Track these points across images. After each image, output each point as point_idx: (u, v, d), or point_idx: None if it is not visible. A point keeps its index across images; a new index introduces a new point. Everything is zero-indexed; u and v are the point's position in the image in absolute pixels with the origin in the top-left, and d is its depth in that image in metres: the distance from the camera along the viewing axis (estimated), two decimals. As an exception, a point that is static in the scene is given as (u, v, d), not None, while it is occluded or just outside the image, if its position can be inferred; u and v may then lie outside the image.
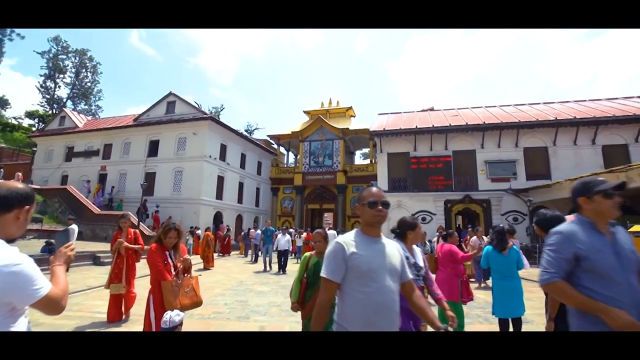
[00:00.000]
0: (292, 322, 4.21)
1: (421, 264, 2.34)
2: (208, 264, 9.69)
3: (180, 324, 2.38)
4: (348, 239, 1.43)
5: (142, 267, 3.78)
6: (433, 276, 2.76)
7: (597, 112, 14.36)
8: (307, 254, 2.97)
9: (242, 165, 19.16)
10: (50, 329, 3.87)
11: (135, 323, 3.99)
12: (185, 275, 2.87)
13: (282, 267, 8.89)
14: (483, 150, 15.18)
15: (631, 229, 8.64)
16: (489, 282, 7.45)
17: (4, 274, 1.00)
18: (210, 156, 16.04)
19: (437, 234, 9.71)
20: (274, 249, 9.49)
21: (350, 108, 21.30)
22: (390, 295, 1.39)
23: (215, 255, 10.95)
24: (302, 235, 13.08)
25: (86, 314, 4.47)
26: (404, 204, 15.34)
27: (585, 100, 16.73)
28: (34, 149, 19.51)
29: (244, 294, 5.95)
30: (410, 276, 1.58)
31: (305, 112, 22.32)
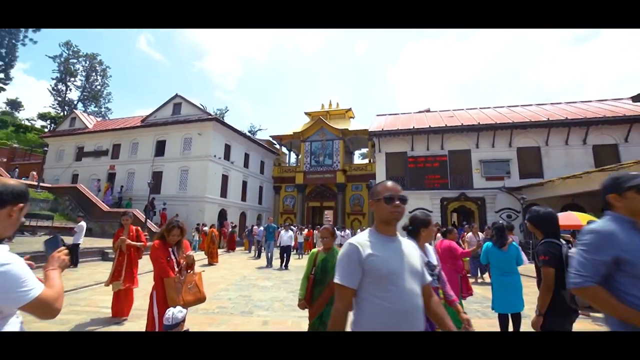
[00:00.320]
0: (295, 317, 4.12)
1: (435, 262, 2.15)
2: (212, 260, 9.59)
3: (183, 320, 2.28)
4: (362, 240, 1.25)
5: (147, 264, 3.69)
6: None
7: (587, 113, 14.25)
8: (315, 249, 2.83)
9: (246, 165, 19.04)
10: (58, 324, 3.78)
11: (140, 318, 3.89)
12: (189, 271, 2.78)
13: (285, 263, 8.80)
14: (478, 150, 15.07)
15: None
16: (485, 278, 7.39)
17: None
18: (215, 156, 15.93)
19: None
20: (277, 245, 9.39)
21: (350, 110, 21.19)
22: (414, 300, 1.22)
23: (220, 251, 10.86)
24: (303, 232, 13.01)
25: (93, 309, 4.38)
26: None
27: (576, 102, 16.62)
28: (45, 149, 19.43)
29: (248, 289, 5.86)
30: (429, 278, 1.39)
31: (306, 113, 22.22)
